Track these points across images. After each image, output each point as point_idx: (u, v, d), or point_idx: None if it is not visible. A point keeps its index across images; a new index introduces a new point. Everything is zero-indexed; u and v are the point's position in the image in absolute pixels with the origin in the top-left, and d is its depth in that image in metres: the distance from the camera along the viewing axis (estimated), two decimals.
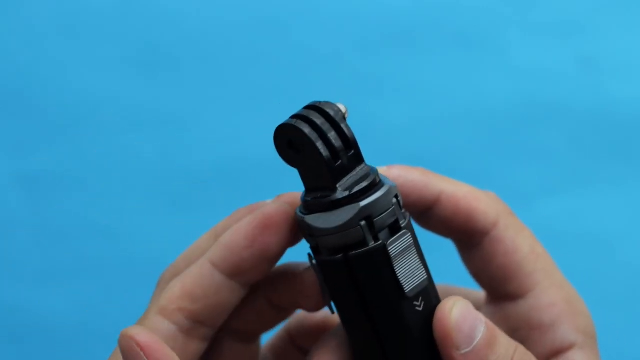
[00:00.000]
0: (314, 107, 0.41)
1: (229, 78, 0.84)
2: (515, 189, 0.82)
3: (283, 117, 0.41)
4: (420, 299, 0.41)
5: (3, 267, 0.84)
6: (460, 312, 0.40)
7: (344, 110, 0.42)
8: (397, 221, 0.41)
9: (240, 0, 0.85)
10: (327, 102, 0.41)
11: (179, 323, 0.44)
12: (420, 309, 0.41)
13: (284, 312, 0.47)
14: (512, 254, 0.44)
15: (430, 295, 0.41)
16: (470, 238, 0.45)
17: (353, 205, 0.40)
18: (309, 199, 0.41)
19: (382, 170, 0.43)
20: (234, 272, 0.44)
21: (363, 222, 0.40)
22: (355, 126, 0.41)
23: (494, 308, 0.46)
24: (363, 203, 0.40)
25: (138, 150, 0.84)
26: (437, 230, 0.46)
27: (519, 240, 0.44)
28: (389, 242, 0.40)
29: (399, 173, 0.44)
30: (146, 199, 0.84)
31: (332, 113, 0.41)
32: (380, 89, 0.83)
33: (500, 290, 0.45)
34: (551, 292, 0.44)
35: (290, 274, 0.45)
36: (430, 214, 0.45)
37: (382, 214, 0.40)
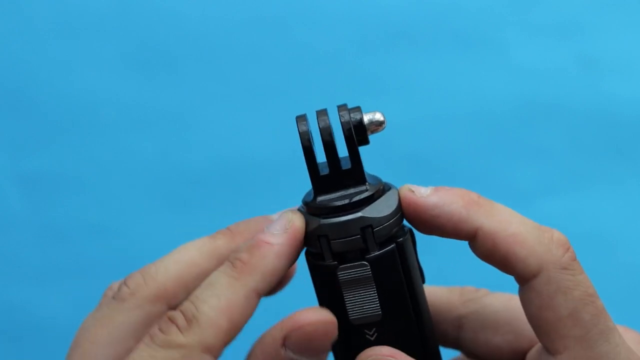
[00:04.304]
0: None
1: (229, 78, 0.84)
2: (515, 189, 0.82)
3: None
4: (374, 330, 0.41)
5: (3, 267, 0.84)
6: None
7: (381, 119, 0.41)
8: (361, 250, 0.40)
9: None
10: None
11: (218, 354, 0.43)
12: (372, 338, 0.41)
13: None
14: (546, 311, 0.41)
15: (385, 330, 0.41)
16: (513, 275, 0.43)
17: (315, 218, 0.40)
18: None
19: (427, 191, 0.42)
20: (272, 291, 0.44)
21: (322, 239, 0.40)
22: None
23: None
24: (323, 221, 0.40)
25: (138, 150, 0.84)
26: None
27: (559, 299, 0.41)
28: (341, 266, 0.40)
29: (437, 202, 0.41)
30: (146, 199, 0.84)
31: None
32: (380, 89, 0.83)
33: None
34: None
35: None
36: (470, 245, 0.42)
37: (340, 238, 0.40)
